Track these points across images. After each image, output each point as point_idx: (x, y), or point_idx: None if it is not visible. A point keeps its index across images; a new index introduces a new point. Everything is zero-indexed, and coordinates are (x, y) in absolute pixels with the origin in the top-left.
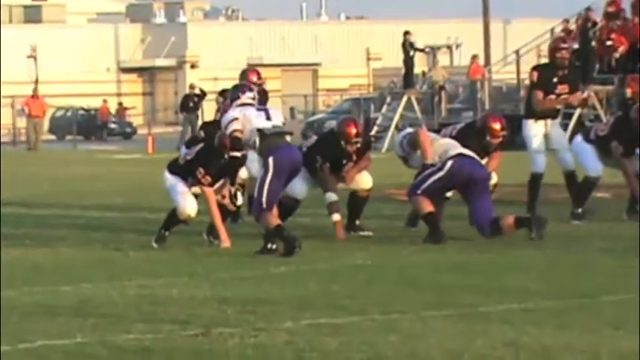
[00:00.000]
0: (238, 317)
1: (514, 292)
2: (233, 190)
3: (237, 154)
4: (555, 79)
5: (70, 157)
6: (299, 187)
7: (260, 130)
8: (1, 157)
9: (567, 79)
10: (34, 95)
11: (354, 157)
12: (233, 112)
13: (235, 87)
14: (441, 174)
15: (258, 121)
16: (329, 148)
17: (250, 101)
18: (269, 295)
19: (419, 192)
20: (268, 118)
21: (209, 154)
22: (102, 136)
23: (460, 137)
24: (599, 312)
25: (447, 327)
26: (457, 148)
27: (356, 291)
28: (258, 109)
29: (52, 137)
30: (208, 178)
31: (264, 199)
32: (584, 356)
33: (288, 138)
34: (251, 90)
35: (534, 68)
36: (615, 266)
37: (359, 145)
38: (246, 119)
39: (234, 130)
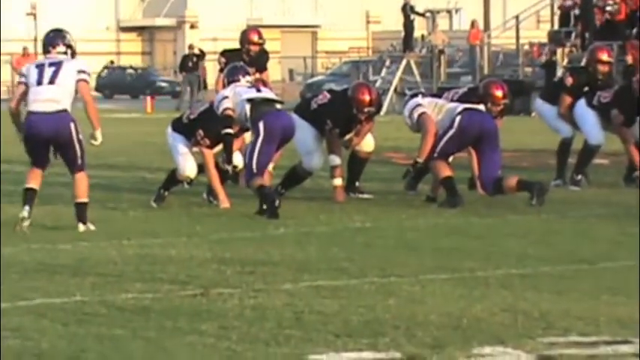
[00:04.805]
0: (237, 278)
1: (512, 257)
2: (230, 168)
3: (231, 130)
4: (587, 88)
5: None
6: (316, 161)
7: (250, 100)
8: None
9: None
10: (25, 54)
11: (364, 122)
12: (224, 91)
13: (234, 68)
14: (452, 132)
15: (247, 93)
16: (340, 112)
17: (247, 84)
18: (268, 256)
19: (435, 155)
20: (259, 91)
21: (211, 116)
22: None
23: (461, 102)
24: (597, 278)
25: (446, 291)
26: (463, 105)
27: (355, 254)
28: (250, 87)
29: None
30: (207, 141)
31: (254, 164)
32: (582, 322)
33: (278, 106)
34: (249, 74)
35: (571, 73)
36: (613, 233)
37: (371, 112)
38: (236, 95)
39: (226, 109)
